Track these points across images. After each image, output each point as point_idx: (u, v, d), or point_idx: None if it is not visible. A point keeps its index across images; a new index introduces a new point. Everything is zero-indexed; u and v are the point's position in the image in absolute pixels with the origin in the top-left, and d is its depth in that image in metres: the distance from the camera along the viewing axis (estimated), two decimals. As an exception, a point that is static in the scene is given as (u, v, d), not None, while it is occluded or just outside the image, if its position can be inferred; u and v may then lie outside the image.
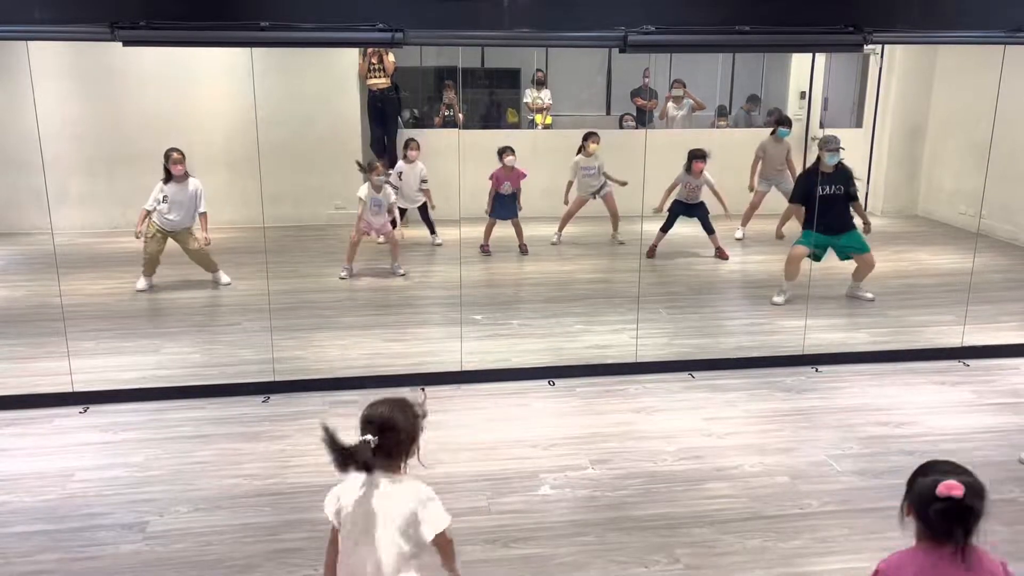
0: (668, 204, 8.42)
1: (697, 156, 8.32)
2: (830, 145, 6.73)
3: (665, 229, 8.45)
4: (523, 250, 8.64)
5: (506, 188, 8.45)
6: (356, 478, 2.48)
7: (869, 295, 6.94)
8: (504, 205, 8.56)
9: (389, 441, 2.45)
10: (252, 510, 3.83)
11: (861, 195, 10.38)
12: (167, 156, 7.04)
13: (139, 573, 3.39)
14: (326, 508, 2.54)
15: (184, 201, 7.09)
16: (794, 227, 7.17)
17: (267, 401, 5.00)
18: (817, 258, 6.89)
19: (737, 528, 3.70)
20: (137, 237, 7.11)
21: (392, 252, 7.84)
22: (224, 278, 7.38)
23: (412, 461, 2.57)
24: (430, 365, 5.46)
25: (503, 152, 8.46)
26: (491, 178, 8.48)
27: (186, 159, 7.09)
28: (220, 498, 3.93)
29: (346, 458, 2.38)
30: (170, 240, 7.20)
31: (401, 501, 2.46)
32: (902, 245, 9.08)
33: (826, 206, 6.58)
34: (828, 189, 6.72)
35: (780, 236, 7.32)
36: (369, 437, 2.42)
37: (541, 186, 8.93)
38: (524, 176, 8.53)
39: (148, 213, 7.09)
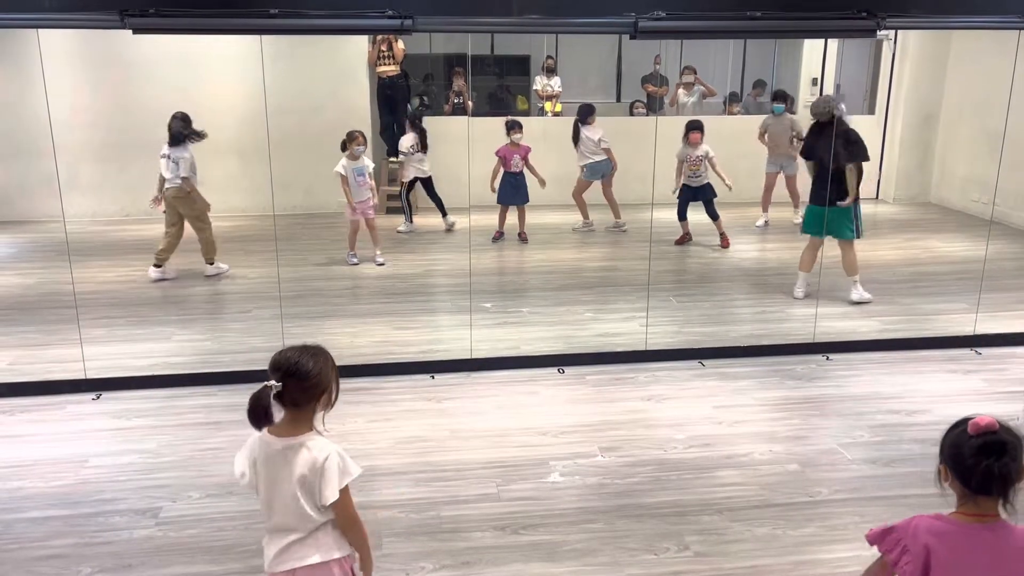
0: (679, 185, 8.28)
1: (693, 127, 8.24)
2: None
3: (681, 217, 8.39)
4: (522, 238, 8.61)
5: (516, 164, 8.36)
6: (258, 435, 2.36)
7: (867, 296, 6.45)
8: (514, 187, 8.44)
9: (294, 389, 2.29)
10: (263, 496, 3.85)
11: (872, 182, 10.46)
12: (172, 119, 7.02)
13: (152, 558, 3.42)
14: (235, 465, 2.41)
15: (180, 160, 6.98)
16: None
17: (278, 388, 5.02)
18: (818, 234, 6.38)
19: (747, 516, 3.70)
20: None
21: (372, 238, 7.73)
22: (214, 269, 7.27)
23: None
24: (440, 353, 5.46)
25: (511, 128, 8.37)
26: (498, 155, 8.40)
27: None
28: (232, 484, 3.93)
29: (250, 409, 2.26)
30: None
31: (297, 463, 2.30)
32: (914, 232, 9.02)
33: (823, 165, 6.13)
34: (823, 144, 6.08)
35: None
36: (272, 383, 2.26)
37: (550, 173, 8.89)
38: (529, 150, 8.48)
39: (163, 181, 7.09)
